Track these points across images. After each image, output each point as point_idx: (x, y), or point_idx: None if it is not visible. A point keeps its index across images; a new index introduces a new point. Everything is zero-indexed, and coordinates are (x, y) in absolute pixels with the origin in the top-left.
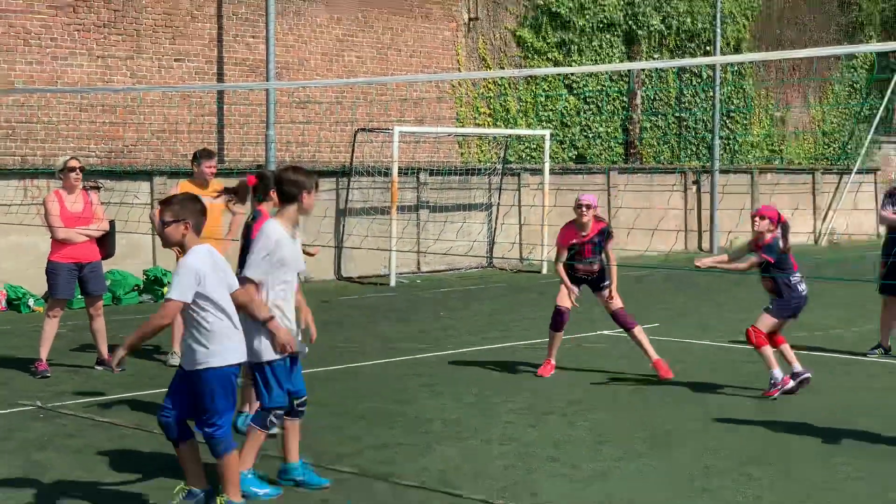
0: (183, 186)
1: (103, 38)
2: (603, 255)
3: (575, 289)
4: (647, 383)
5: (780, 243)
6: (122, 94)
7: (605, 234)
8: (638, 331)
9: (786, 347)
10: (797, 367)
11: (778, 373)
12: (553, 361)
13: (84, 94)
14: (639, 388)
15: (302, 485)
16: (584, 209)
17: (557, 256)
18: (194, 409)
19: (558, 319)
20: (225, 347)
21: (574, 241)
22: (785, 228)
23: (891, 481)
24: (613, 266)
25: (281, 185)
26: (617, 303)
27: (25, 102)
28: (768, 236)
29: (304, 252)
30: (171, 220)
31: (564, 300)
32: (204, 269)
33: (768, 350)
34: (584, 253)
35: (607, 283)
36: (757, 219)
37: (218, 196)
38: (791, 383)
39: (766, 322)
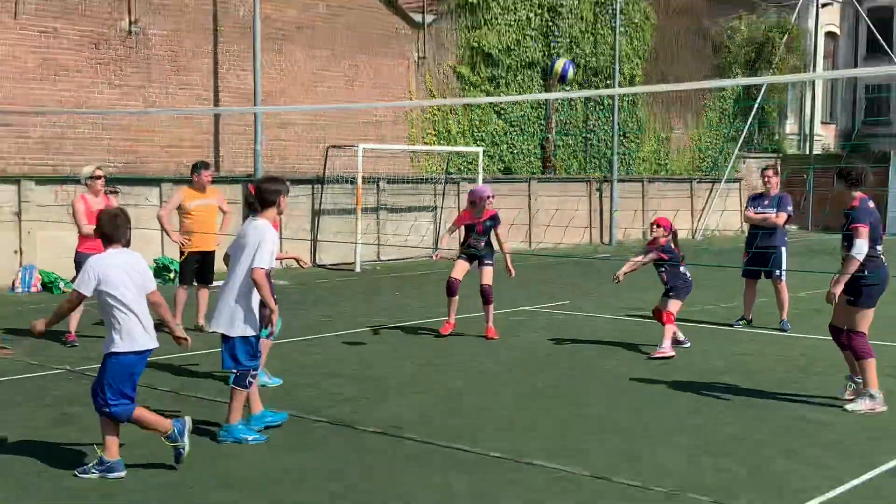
0: (185, 192)
1: (120, 70)
2: (492, 237)
3: (466, 264)
4: (560, 346)
5: (672, 245)
6: (136, 116)
7: (495, 220)
8: (491, 307)
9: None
10: (680, 336)
11: (668, 343)
12: (452, 321)
13: (105, 115)
14: (553, 352)
15: (270, 426)
16: (488, 199)
17: (450, 228)
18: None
19: (451, 288)
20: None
21: (469, 221)
22: (675, 235)
23: (751, 424)
24: (505, 245)
25: (262, 193)
26: (487, 279)
27: (56, 122)
28: (662, 240)
29: (298, 264)
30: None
31: (456, 273)
32: (105, 270)
33: (672, 328)
34: (476, 230)
35: (489, 262)
36: (654, 227)
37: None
38: (671, 352)
39: (676, 306)
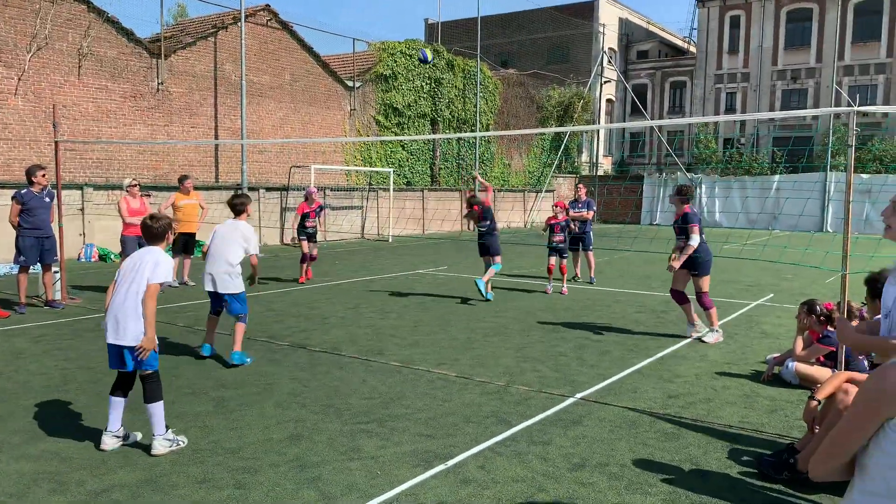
0: (176, 195)
1: (151, 114)
2: (319, 220)
3: (306, 243)
4: (438, 293)
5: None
6: (161, 145)
7: (322, 209)
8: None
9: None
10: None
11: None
12: (308, 276)
13: (140, 144)
14: (435, 298)
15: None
16: (314, 194)
17: (298, 221)
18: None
19: (304, 257)
20: None
21: (307, 210)
22: (567, 210)
23: (555, 343)
24: (322, 229)
25: (234, 205)
26: (315, 252)
27: (106, 149)
28: (561, 216)
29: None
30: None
31: (304, 248)
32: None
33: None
34: (311, 216)
35: (315, 241)
36: (557, 207)
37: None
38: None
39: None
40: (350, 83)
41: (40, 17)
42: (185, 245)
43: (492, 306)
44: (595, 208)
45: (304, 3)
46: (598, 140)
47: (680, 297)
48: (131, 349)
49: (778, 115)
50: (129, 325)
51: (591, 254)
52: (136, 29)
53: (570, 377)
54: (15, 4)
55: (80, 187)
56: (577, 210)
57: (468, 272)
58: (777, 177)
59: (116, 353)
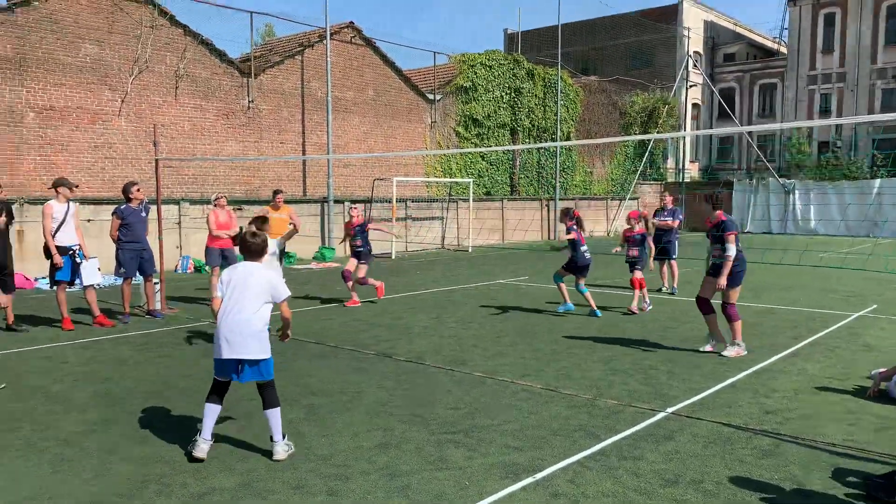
0: (268, 209)
1: (242, 131)
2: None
3: (354, 260)
4: (522, 304)
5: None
6: (252, 161)
7: (364, 227)
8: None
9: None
10: (647, 300)
11: (635, 303)
12: (356, 298)
13: (232, 161)
14: (518, 308)
15: None
16: (353, 212)
17: (344, 238)
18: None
19: (345, 276)
20: None
21: (349, 228)
22: (645, 219)
23: (644, 354)
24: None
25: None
26: (360, 273)
27: (201, 165)
28: (639, 228)
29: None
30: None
31: (349, 267)
32: None
33: (641, 292)
34: (351, 232)
35: (364, 260)
36: (632, 219)
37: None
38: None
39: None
40: (431, 96)
41: (141, 42)
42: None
43: (575, 317)
44: (681, 217)
45: (385, 19)
46: (684, 146)
47: (706, 305)
48: (251, 363)
49: (879, 118)
50: (250, 341)
51: (674, 263)
52: (228, 49)
53: (661, 391)
54: (119, 31)
55: (176, 202)
56: (662, 218)
57: (549, 282)
58: (878, 181)
59: (232, 366)
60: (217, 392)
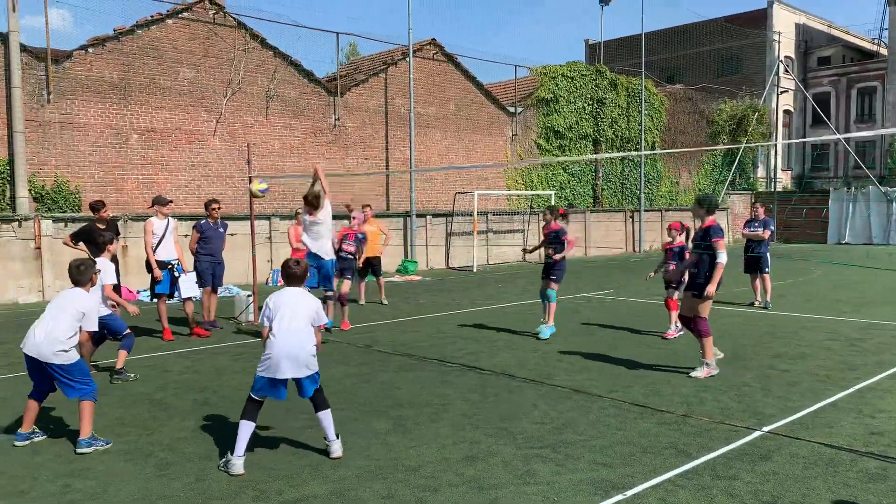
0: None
1: (329, 148)
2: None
3: (348, 280)
4: (607, 319)
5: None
6: (339, 177)
7: (364, 236)
8: (347, 308)
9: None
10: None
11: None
12: (347, 321)
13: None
14: (604, 323)
15: None
16: (357, 219)
17: (338, 242)
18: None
19: (343, 299)
20: None
21: (346, 233)
22: (687, 232)
23: (736, 372)
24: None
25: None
26: (345, 289)
27: (290, 182)
28: (678, 240)
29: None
30: None
31: (345, 288)
32: None
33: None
34: (349, 238)
35: (348, 275)
36: (673, 230)
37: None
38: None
39: (677, 295)
40: (512, 109)
41: (234, 64)
42: (372, 268)
43: (659, 331)
44: (773, 227)
45: (467, 34)
46: (775, 154)
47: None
48: (310, 378)
49: None
50: (308, 360)
51: (767, 276)
52: (315, 69)
53: (755, 409)
54: (214, 55)
55: (267, 217)
56: (752, 229)
57: (635, 296)
58: None
59: (283, 385)
60: (256, 410)
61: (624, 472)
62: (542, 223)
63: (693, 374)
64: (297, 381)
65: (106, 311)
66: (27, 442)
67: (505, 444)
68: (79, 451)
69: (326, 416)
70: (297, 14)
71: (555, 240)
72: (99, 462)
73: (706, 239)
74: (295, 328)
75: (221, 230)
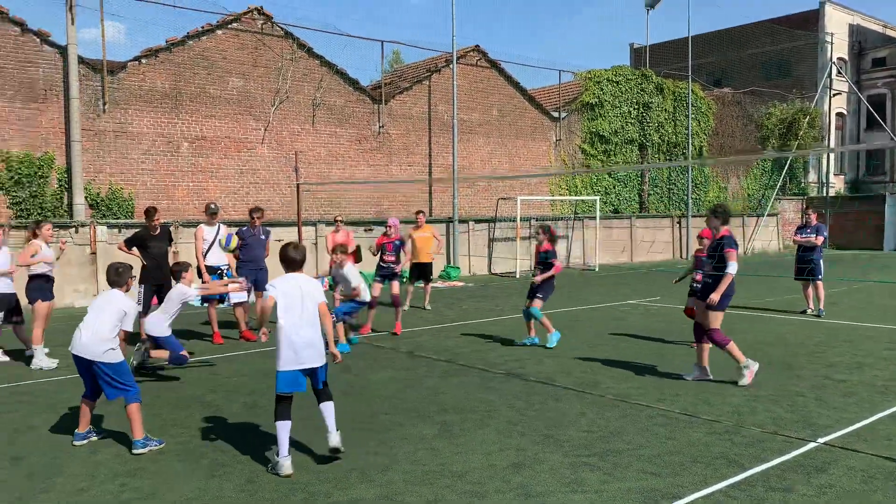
0: (412, 229)
1: (373, 155)
2: (402, 254)
3: (378, 285)
4: (653, 326)
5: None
6: (384, 184)
7: (401, 242)
8: (400, 310)
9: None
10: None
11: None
12: (369, 326)
13: (364, 183)
14: (650, 330)
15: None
16: (390, 227)
17: (378, 251)
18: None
19: (371, 302)
20: None
21: (384, 242)
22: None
23: (790, 381)
24: (405, 261)
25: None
26: (395, 290)
27: (335, 188)
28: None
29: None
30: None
31: (374, 291)
32: None
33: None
34: (388, 248)
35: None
36: (703, 239)
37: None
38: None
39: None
40: (556, 114)
41: (282, 74)
42: (422, 273)
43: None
44: (826, 234)
45: (510, 40)
46: (827, 158)
47: (701, 333)
48: (323, 367)
49: None
50: (322, 349)
51: (820, 284)
52: (359, 78)
53: (810, 419)
54: (262, 65)
55: (313, 223)
56: (804, 235)
57: (682, 303)
58: None
59: (303, 376)
60: (287, 408)
61: (673, 481)
62: (535, 242)
63: (740, 382)
64: (313, 370)
65: (167, 333)
66: (84, 441)
67: (552, 451)
68: (134, 451)
69: (329, 408)
70: (342, 23)
71: (543, 261)
72: (153, 462)
73: (720, 249)
74: (308, 316)
75: (263, 237)
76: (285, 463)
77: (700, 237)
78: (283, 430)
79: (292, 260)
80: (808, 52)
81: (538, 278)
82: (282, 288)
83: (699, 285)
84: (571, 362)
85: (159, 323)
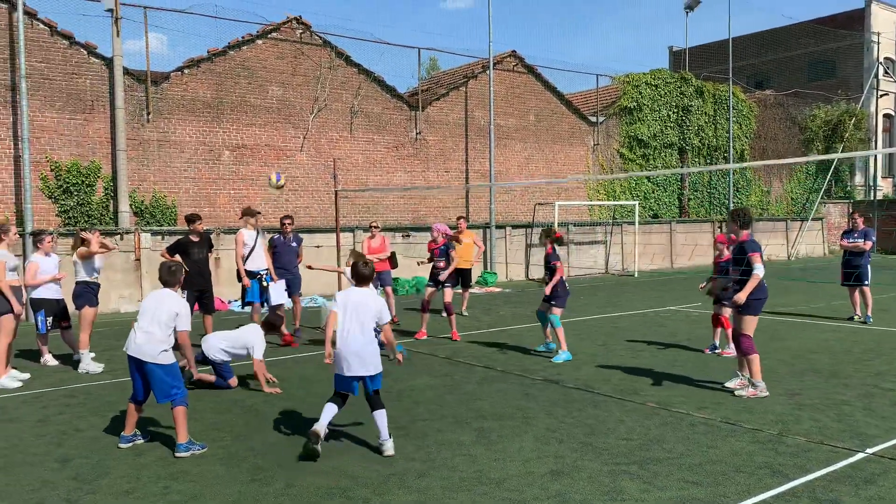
0: (454, 234)
1: (410, 162)
2: (449, 259)
3: (431, 289)
4: (694, 333)
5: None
6: (420, 190)
7: (448, 246)
8: (454, 317)
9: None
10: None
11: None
12: (424, 331)
13: (402, 190)
14: (691, 337)
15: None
16: (436, 232)
17: (430, 258)
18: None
19: (424, 306)
20: None
21: (433, 248)
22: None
23: (836, 389)
24: (453, 266)
25: (359, 273)
26: (448, 298)
27: (373, 195)
28: (726, 254)
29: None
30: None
31: (426, 294)
32: None
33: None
34: (435, 254)
35: (448, 283)
36: (720, 244)
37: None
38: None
39: (728, 312)
40: (593, 118)
41: (320, 82)
42: (462, 279)
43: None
44: (873, 238)
45: (546, 44)
46: (875, 161)
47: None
48: (372, 377)
49: None
50: (373, 360)
51: (867, 289)
52: (396, 85)
53: (857, 429)
54: (301, 73)
55: (351, 230)
56: (851, 240)
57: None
58: None
59: (353, 381)
60: (338, 399)
61: (715, 491)
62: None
63: (737, 392)
64: (363, 379)
65: (226, 358)
66: (130, 444)
67: (591, 459)
68: (177, 454)
69: (381, 416)
70: (379, 31)
71: (546, 264)
72: (196, 465)
73: (743, 254)
74: (360, 330)
75: (294, 244)
76: (317, 427)
77: (716, 243)
78: (328, 409)
79: (361, 275)
80: (853, 52)
81: (547, 289)
82: (342, 301)
83: (722, 291)
84: (610, 369)
85: (218, 345)
